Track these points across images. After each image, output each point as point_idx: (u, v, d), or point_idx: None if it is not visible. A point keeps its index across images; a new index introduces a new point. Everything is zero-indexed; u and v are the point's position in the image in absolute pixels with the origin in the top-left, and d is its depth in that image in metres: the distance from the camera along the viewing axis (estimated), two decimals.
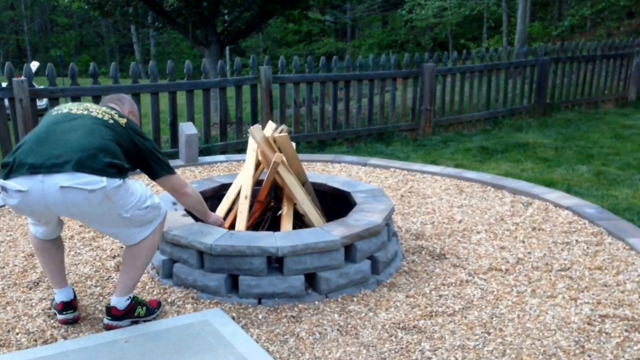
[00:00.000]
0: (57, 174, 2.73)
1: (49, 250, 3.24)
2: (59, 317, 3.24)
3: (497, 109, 10.05)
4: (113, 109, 3.21)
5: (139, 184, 3.09)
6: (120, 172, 2.87)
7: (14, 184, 2.76)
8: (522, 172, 6.68)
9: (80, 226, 4.74)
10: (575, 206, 5.10)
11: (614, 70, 11.63)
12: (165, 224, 3.70)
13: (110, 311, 3.15)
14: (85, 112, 3.05)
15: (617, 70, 11.68)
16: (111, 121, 3.04)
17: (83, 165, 2.76)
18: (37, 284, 3.76)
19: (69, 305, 3.24)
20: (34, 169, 2.75)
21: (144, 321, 3.22)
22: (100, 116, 3.04)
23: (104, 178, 2.78)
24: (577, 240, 4.40)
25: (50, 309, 3.40)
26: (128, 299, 3.17)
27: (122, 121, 3.09)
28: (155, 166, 3.21)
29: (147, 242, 3.14)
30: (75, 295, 3.31)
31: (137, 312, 3.20)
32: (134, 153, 3.08)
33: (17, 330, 3.17)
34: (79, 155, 2.78)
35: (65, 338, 3.10)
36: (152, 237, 3.16)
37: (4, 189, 2.81)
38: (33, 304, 3.48)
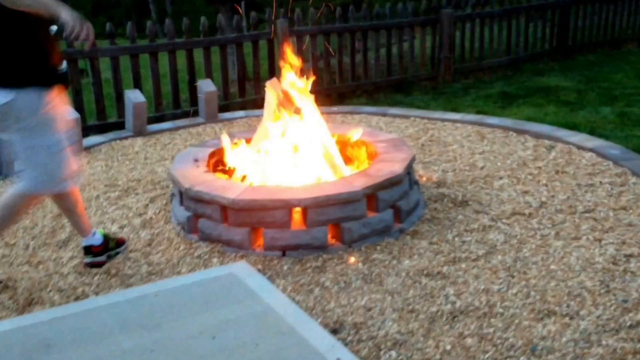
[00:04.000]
0: None
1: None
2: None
3: (518, 53, 9.86)
4: None
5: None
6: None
7: None
8: (545, 116, 6.59)
9: (106, 185, 4.80)
10: (599, 147, 5.04)
11: (637, 9, 11.33)
12: (187, 181, 3.75)
13: (90, 249, 3.44)
14: None
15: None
16: None
17: None
18: (67, 243, 3.83)
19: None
20: None
21: (116, 253, 3.52)
22: None
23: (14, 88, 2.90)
24: (601, 182, 4.37)
25: (79, 266, 3.51)
26: (97, 235, 3.46)
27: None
28: None
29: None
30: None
31: (110, 244, 3.51)
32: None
33: (49, 288, 3.26)
34: None
35: (96, 294, 3.19)
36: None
37: None
38: (64, 262, 3.56)
